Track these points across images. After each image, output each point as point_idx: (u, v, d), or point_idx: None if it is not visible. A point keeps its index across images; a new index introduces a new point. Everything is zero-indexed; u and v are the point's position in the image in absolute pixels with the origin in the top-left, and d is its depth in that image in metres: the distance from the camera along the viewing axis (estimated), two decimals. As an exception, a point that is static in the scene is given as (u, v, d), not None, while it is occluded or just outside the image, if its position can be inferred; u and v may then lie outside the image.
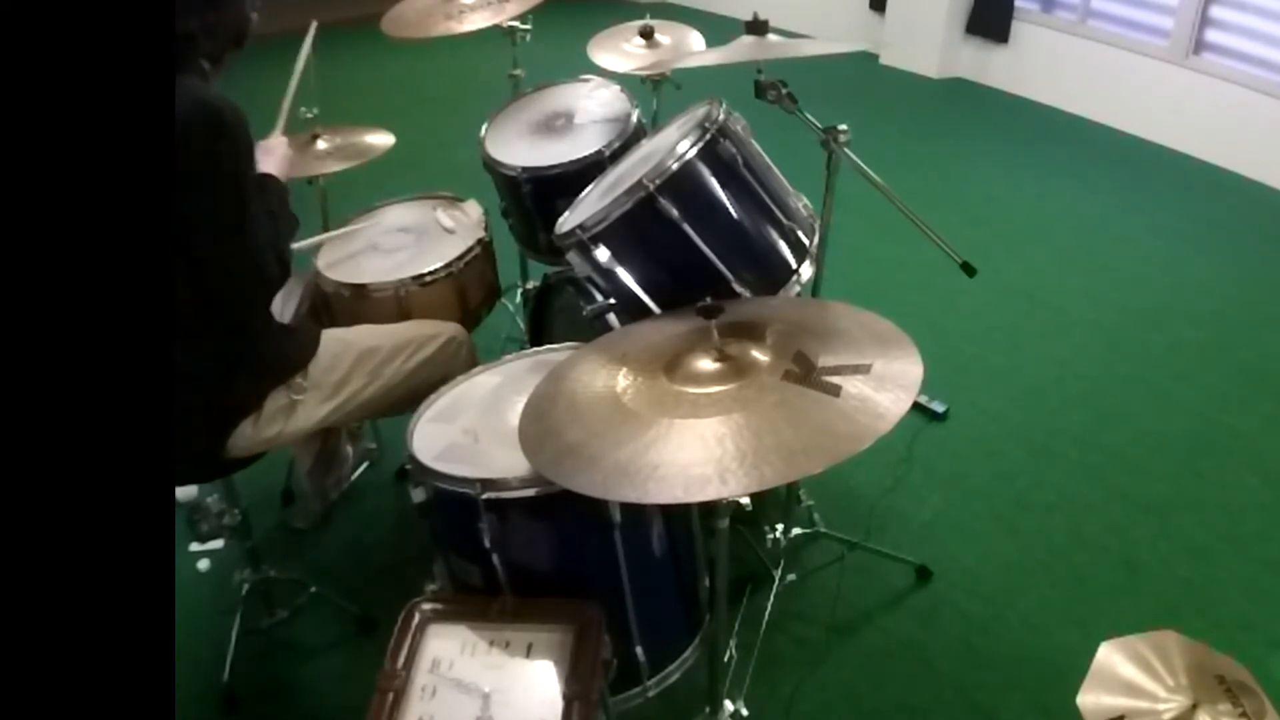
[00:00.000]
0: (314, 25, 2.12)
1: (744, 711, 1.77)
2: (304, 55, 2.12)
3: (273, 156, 1.81)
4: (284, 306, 2.00)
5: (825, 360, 1.32)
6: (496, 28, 2.51)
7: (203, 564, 2.27)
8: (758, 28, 1.76)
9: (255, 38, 1.65)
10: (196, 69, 1.54)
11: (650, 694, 1.61)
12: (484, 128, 2.44)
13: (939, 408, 2.66)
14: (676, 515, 1.57)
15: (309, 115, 2.42)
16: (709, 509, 1.47)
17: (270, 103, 2.00)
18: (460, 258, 2.13)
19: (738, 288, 1.70)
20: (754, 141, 1.82)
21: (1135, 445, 2.57)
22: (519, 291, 2.87)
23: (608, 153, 2.18)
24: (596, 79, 2.53)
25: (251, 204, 1.54)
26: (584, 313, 1.77)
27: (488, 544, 1.44)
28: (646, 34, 2.78)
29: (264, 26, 1.68)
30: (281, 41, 2.23)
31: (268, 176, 1.74)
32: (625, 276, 1.71)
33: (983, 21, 4.83)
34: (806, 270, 1.78)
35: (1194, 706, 1.11)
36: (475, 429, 1.57)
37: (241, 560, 2.07)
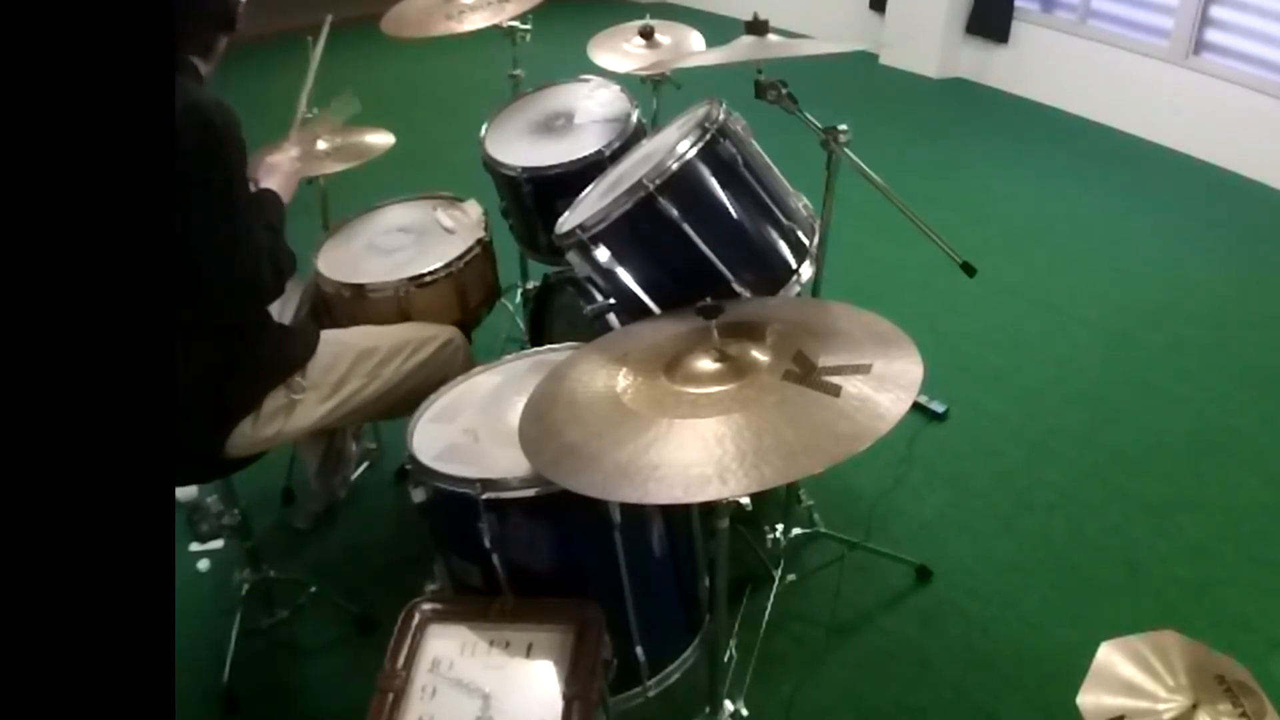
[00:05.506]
0: (328, 19, 2.03)
1: (744, 711, 1.77)
2: (315, 57, 2.05)
3: (277, 173, 1.78)
4: (284, 307, 2.00)
5: (825, 360, 1.32)
6: (496, 28, 2.51)
7: (203, 564, 2.27)
8: (758, 28, 1.76)
9: (256, 38, 1.61)
10: (186, 67, 1.51)
11: (650, 694, 1.61)
12: (484, 128, 2.43)
13: (939, 408, 2.66)
14: (676, 515, 1.56)
15: (309, 116, 2.42)
16: (709, 509, 1.47)
17: (270, 105, 1.99)
18: (460, 258, 2.12)
19: (738, 288, 1.70)
20: (754, 141, 1.82)
21: (1135, 445, 2.57)
22: (519, 291, 2.87)
23: (608, 153, 2.18)
24: (596, 79, 2.52)
25: (244, 210, 1.51)
26: (584, 313, 1.77)
27: (488, 544, 1.44)
28: (646, 34, 2.78)
29: (265, 26, 1.64)
30: (282, 42, 2.22)
31: (267, 192, 1.71)
32: (625, 276, 1.71)
33: (983, 21, 4.83)
34: (806, 270, 1.78)
35: (1194, 706, 1.10)
36: (475, 429, 1.57)
37: (241, 560, 2.07)
